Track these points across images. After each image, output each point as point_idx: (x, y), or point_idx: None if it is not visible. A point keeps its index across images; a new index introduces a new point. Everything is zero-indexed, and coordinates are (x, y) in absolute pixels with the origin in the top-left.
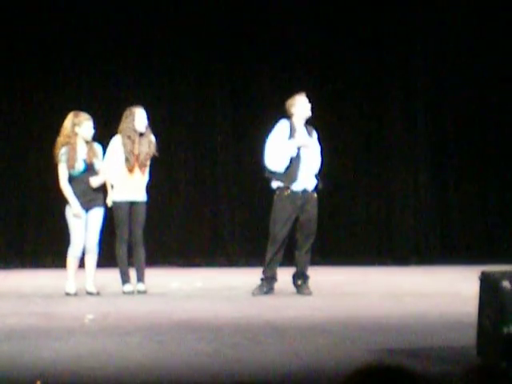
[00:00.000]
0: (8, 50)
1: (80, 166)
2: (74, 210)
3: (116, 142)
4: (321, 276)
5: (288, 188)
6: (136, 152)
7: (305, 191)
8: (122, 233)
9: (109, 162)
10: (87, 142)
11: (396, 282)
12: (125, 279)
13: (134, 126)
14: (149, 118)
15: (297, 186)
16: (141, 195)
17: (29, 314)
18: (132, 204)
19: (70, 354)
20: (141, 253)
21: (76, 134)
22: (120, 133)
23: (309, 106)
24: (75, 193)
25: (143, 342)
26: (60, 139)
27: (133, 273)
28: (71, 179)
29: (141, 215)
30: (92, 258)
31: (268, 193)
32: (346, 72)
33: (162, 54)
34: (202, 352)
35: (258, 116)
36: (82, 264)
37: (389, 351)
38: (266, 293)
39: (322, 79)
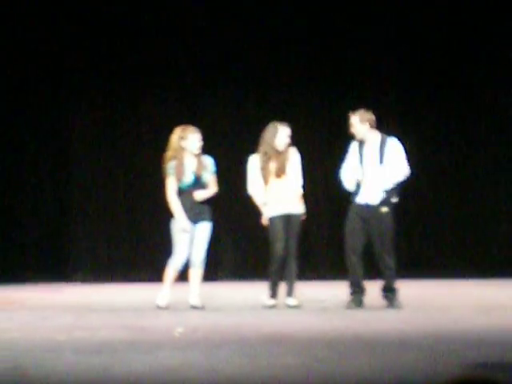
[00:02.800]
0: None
1: (189, 179)
2: (180, 224)
3: (253, 159)
4: (410, 289)
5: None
6: (269, 168)
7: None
8: (276, 249)
9: (249, 181)
10: (196, 155)
11: (484, 295)
12: (270, 293)
13: (273, 142)
14: (292, 136)
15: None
16: (294, 207)
17: (119, 327)
18: (288, 217)
19: (159, 367)
20: (293, 266)
21: (183, 148)
22: (260, 147)
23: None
24: (183, 206)
25: (232, 355)
26: (168, 153)
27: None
28: (180, 192)
29: (295, 227)
30: (197, 272)
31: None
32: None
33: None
34: (290, 366)
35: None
36: (184, 278)
37: (481, 365)
38: (357, 306)
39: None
